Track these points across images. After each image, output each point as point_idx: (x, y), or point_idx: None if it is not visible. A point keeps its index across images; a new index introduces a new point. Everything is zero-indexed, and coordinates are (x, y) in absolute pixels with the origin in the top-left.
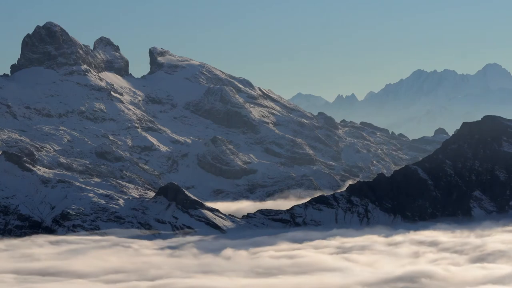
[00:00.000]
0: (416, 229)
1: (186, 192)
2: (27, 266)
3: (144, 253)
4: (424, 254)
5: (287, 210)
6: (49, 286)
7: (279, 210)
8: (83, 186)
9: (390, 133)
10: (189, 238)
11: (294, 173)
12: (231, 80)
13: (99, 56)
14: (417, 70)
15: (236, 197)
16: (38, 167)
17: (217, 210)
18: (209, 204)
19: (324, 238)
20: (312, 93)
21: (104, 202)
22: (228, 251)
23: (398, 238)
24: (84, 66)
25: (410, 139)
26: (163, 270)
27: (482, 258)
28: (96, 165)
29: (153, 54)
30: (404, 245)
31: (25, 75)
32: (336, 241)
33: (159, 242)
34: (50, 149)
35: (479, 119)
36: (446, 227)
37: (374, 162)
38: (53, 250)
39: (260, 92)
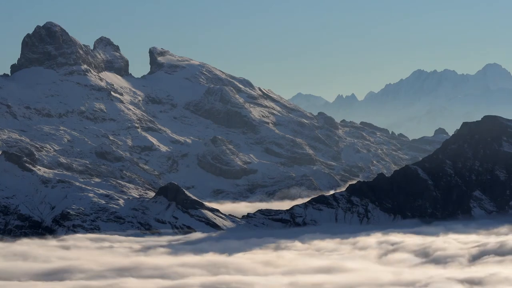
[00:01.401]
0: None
1: (186, 192)
2: (36, 267)
3: (149, 253)
4: (387, 256)
5: (287, 210)
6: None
7: (279, 210)
8: (83, 186)
9: (390, 133)
10: (191, 237)
11: (294, 173)
12: (231, 80)
13: (99, 56)
14: (417, 70)
15: (236, 197)
16: (38, 167)
17: (217, 210)
18: (209, 204)
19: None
20: (312, 93)
21: (104, 202)
22: (231, 251)
23: (373, 239)
24: (84, 66)
25: (410, 139)
26: (174, 269)
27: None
28: (96, 165)
29: (153, 54)
30: (372, 246)
31: (25, 75)
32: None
33: (160, 242)
34: (50, 149)
35: (479, 119)
36: (432, 230)
37: (374, 162)
38: (54, 250)
39: (260, 92)
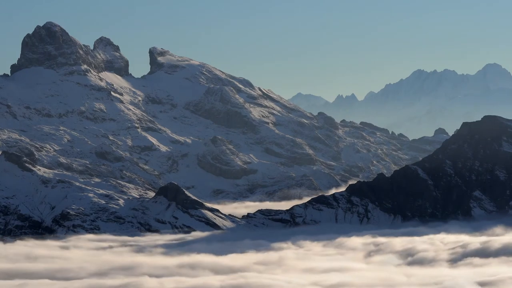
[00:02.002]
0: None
1: (186, 192)
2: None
3: (149, 253)
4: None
5: (287, 210)
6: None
7: (279, 210)
8: (83, 186)
9: (390, 133)
10: (191, 237)
11: (294, 173)
12: (231, 80)
13: (99, 56)
14: (417, 70)
15: (236, 197)
16: (38, 167)
17: (217, 210)
18: (209, 204)
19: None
20: (312, 93)
21: (104, 202)
22: (230, 251)
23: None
24: (84, 66)
25: (410, 139)
26: (176, 270)
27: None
28: (96, 165)
29: (153, 54)
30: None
31: (25, 75)
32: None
33: (160, 242)
34: (50, 149)
35: (479, 119)
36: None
37: (374, 162)
38: (54, 250)
39: (260, 92)
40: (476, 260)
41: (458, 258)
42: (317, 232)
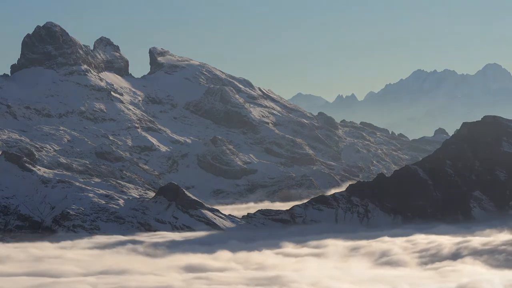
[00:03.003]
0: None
1: (186, 192)
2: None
3: (150, 253)
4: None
5: (287, 210)
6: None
7: (279, 210)
8: (83, 186)
9: (390, 133)
10: (190, 237)
11: (294, 173)
12: (231, 80)
13: (99, 56)
14: (417, 70)
15: (236, 197)
16: (38, 167)
17: (217, 210)
18: (209, 204)
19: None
20: (312, 93)
21: (104, 202)
22: (226, 251)
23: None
24: (84, 66)
25: (410, 139)
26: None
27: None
28: (96, 165)
29: (153, 54)
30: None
31: (25, 75)
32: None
33: (161, 242)
34: (50, 149)
35: (479, 119)
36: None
37: (374, 162)
38: (55, 250)
39: (260, 92)
40: (451, 262)
41: (428, 260)
42: (307, 233)
